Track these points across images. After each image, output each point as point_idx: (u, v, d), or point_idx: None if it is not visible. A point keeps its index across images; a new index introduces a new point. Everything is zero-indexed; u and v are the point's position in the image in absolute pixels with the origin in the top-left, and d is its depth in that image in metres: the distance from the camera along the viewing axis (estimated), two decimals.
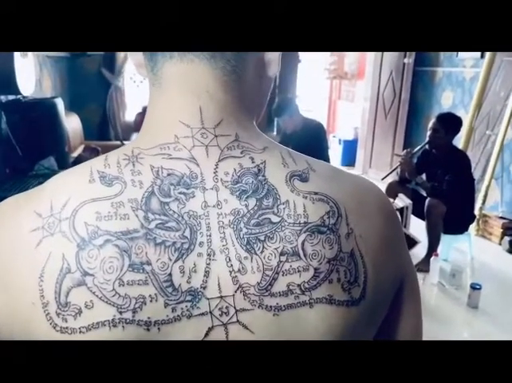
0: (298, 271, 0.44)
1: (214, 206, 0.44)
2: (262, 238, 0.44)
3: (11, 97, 2.34)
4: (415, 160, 3.61)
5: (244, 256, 0.43)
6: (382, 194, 0.55)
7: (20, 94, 2.53)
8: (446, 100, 5.24)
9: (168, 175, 0.45)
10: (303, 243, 0.45)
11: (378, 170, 6.05)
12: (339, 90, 8.19)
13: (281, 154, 0.49)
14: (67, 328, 0.40)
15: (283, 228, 0.45)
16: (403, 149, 4.37)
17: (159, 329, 0.41)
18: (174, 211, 0.43)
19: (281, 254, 0.44)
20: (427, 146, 3.49)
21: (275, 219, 0.45)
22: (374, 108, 6.35)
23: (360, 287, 0.46)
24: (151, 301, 0.41)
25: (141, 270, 0.41)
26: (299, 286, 0.44)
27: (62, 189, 0.44)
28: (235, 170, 0.46)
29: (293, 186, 0.47)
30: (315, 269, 0.45)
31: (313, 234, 0.45)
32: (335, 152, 7.07)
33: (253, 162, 0.47)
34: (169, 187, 0.44)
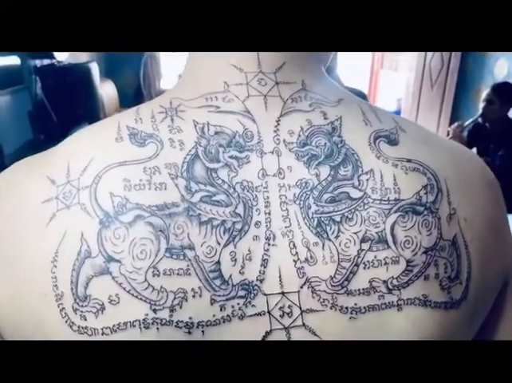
0: (385, 264, 0.33)
1: (274, 175, 0.34)
2: (338, 218, 0.33)
3: (46, 62, 2.28)
4: (465, 134, 3.38)
5: (313, 242, 0.33)
6: (486, 166, 0.43)
7: (54, 59, 2.47)
8: (500, 70, 4.89)
9: (216, 133, 0.34)
10: (393, 227, 0.34)
11: None
12: (381, 59, 7.84)
13: (360, 108, 0.38)
14: (86, 328, 0.31)
15: (366, 206, 0.34)
16: (450, 122, 4.11)
17: (203, 332, 0.32)
18: (223, 181, 0.33)
19: (363, 240, 0.33)
20: (479, 119, 3.26)
21: (355, 193, 0.34)
22: (419, 78, 6.01)
23: (463, 285, 0.35)
24: (193, 296, 0.31)
25: (182, 257, 0.31)
26: (385, 282, 0.33)
27: (82, 149, 0.34)
28: (302, 128, 0.35)
29: (380, 150, 0.36)
30: (408, 261, 0.34)
31: (407, 215, 0.34)
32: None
33: (325, 118, 0.36)
34: (217, 149, 0.34)
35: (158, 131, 0.34)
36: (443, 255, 0.35)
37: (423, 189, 0.35)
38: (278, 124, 0.35)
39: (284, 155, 0.34)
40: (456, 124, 3.41)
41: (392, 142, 0.36)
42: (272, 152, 0.34)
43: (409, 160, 0.36)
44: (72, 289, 0.31)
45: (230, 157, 0.34)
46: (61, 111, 2.00)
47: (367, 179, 0.34)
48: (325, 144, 0.35)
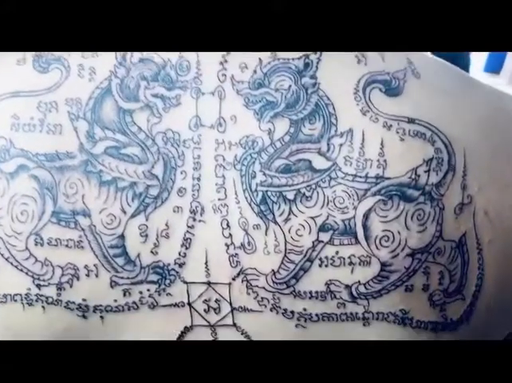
0: (351, 264, 0.24)
1: (212, 126, 0.24)
2: (291, 195, 0.24)
3: None
4: None
5: (254, 223, 0.24)
6: None
7: None
8: None
9: (141, 61, 0.25)
10: (367, 216, 0.24)
11: None
12: None
13: None
14: None
15: (333, 182, 0.24)
16: None
17: (102, 318, 0.25)
18: (140, 129, 0.24)
19: (323, 229, 0.24)
20: None
21: (321, 163, 0.24)
22: None
23: (466, 302, 0.25)
24: (87, 275, 0.25)
25: (72, 224, 0.24)
26: (348, 288, 0.24)
27: None
28: (261, 61, 0.25)
29: (369, 102, 0.25)
30: (383, 264, 0.24)
31: (391, 200, 0.24)
32: (476, 54, 6.07)
33: None
34: (138, 82, 0.25)
35: (69, 54, 0.26)
36: (438, 261, 0.24)
37: (425, 165, 0.24)
38: (228, 54, 0.25)
39: (229, 99, 0.25)
40: None
41: (392, 91, 0.25)
42: (213, 93, 0.25)
43: (411, 120, 0.24)
44: None
45: (155, 95, 0.25)
46: None
47: (340, 144, 0.24)
48: (290, 87, 0.24)
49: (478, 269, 0.25)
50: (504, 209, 0.26)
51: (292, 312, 0.25)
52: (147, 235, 0.24)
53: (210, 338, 0.26)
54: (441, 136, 0.25)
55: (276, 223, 0.24)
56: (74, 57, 0.25)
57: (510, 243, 0.26)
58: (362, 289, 0.24)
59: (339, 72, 0.25)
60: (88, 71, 0.25)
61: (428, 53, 0.30)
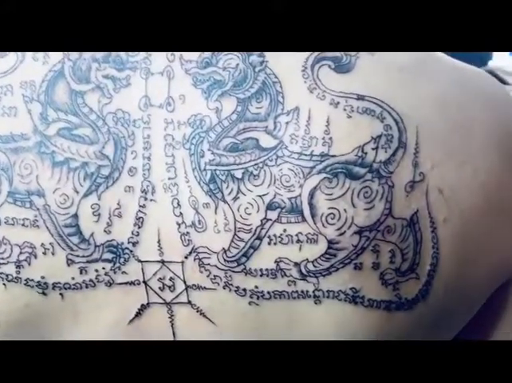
0: (298, 242, 0.24)
1: (161, 106, 0.25)
2: (239, 174, 0.24)
3: None
4: None
5: (204, 202, 0.25)
6: (510, 98, 0.29)
7: None
8: None
9: None
10: (312, 194, 0.24)
11: None
12: None
13: None
14: None
15: (279, 161, 0.24)
16: None
17: (61, 295, 0.26)
18: (91, 110, 0.25)
19: (270, 207, 0.24)
20: None
21: (268, 141, 0.24)
22: None
23: (421, 281, 0.25)
24: (44, 253, 0.25)
25: (27, 204, 0.25)
26: (297, 265, 0.25)
27: None
28: None
29: (317, 79, 0.24)
30: (330, 242, 0.24)
31: (336, 178, 0.24)
32: None
33: None
34: (90, 65, 0.25)
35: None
36: (389, 239, 0.24)
37: (373, 142, 0.24)
38: None
39: (177, 79, 0.25)
40: None
41: (343, 68, 0.25)
42: (162, 73, 0.25)
43: (361, 97, 0.24)
44: None
45: (105, 77, 0.25)
46: None
47: (287, 122, 0.24)
48: (237, 65, 0.24)
49: (432, 248, 0.25)
50: (460, 187, 0.25)
51: (244, 289, 0.25)
52: (99, 215, 0.25)
53: (167, 316, 0.26)
54: (392, 112, 0.24)
55: (225, 201, 0.24)
56: None
57: (466, 222, 0.25)
58: (311, 266, 0.24)
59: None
60: (42, 54, 0.26)
61: None
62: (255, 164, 0.24)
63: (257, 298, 0.25)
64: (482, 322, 0.31)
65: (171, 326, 0.27)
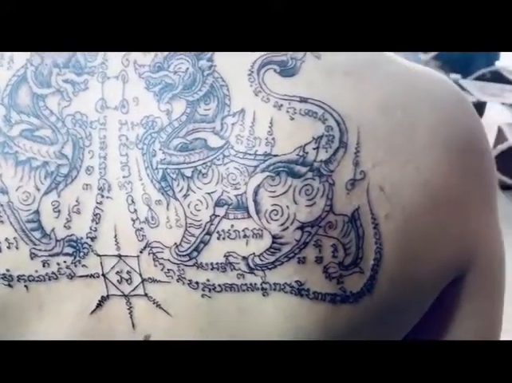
0: (245, 236, 0.26)
1: (116, 108, 0.26)
2: (189, 173, 0.26)
3: None
4: None
5: (156, 199, 0.26)
6: (464, 106, 0.30)
7: None
8: None
9: None
10: (256, 191, 0.25)
11: None
12: None
13: None
14: None
15: (226, 160, 0.25)
16: None
17: (26, 287, 0.28)
18: (51, 112, 0.26)
19: (218, 204, 0.25)
20: None
21: (215, 141, 0.25)
22: None
23: (365, 275, 0.26)
24: (8, 247, 0.27)
25: None
26: (245, 259, 0.26)
27: None
28: None
29: (262, 83, 0.26)
30: (274, 237, 0.25)
31: (278, 176, 0.25)
32: None
33: None
34: (51, 69, 0.27)
35: None
36: (330, 234, 0.25)
37: (314, 142, 0.25)
38: None
39: (131, 82, 0.26)
40: None
41: (288, 72, 0.26)
42: (117, 77, 0.26)
43: (304, 99, 0.25)
44: None
45: (65, 81, 0.26)
46: None
47: (233, 124, 0.25)
48: (187, 69, 0.26)
49: (375, 243, 0.26)
50: (403, 185, 0.26)
51: (197, 283, 0.27)
52: (59, 211, 0.26)
53: (126, 307, 0.28)
54: (334, 114, 0.25)
55: (176, 198, 0.26)
56: None
57: (409, 218, 0.26)
58: (257, 260, 0.26)
59: (235, 54, 0.26)
60: (7, 59, 0.27)
61: None
62: (204, 163, 0.25)
63: (209, 290, 0.27)
64: (434, 319, 0.32)
65: (130, 317, 0.28)
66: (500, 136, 3.02)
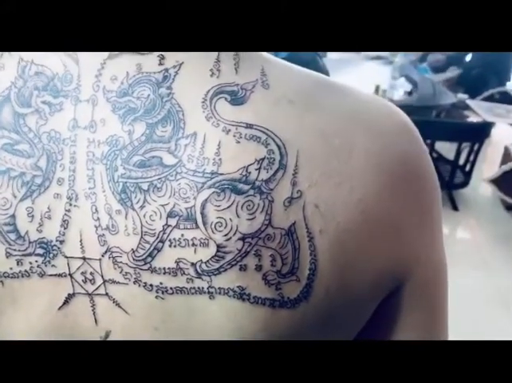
0: (193, 245, 0.29)
1: (85, 127, 0.30)
2: (145, 186, 0.29)
3: None
4: None
5: (116, 209, 0.29)
6: (404, 133, 0.33)
7: None
8: None
9: (36, 73, 0.31)
10: (204, 205, 0.28)
11: None
12: None
13: (218, 53, 0.31)
14: None
15: (178, 176, 0.29)
16: None
17: (1, 282, 0.31)
18: (30, 129, 0.30)
19: (170, 215, 0.29)
20: None
21: (169, 160, 0.29)
22: None
23: (301, 283, 0.29)
24: None
25: None
26: (193, 265, 0.29)
27: None
28: (128, 74, 0.30)
29: (213, 110, 0.29)
30: (218, 246, 0.28)
31: (223, 192, 0.28)
32: None
33: (161, 63, 0.30)
34: (32, 92, 0.30)
35: None
36: (269, 245, 0.29)
37: (256, 163, 0.28)
38: (102, 68, 0.30)
39: (100, 106, 0.30)
40: None
41: (237, 101, 0.29)
42: (88, 101, 0.30)
43: (249, 126, 0.29)
44: None
45: (43, 102, 0.30)
46: None
47: (186, 145, 0.29)
48: (148, 95, 0.29)
49: (310, 255, 0.29)
50: (336, 203, 0.29)
51: (151, 285, 0.30)
52: (33, 216, 0.30)
53: (89, 305, 0.31)
54: (275, 139, 0.29)
55: (134, 209, 0.29)
56: None
57: (343, 233, 0.29)
58: (204, 267, 0.29)
59: (192, 84, 0.29)
60: None
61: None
62: (159, 179, 0.29)
63: (162, 292, 0.30)
64: (375, 327, 0.35)
65: (93, 314, 0.31)
66: (506, 156, 3.02)
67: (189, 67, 0.30)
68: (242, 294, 0.29)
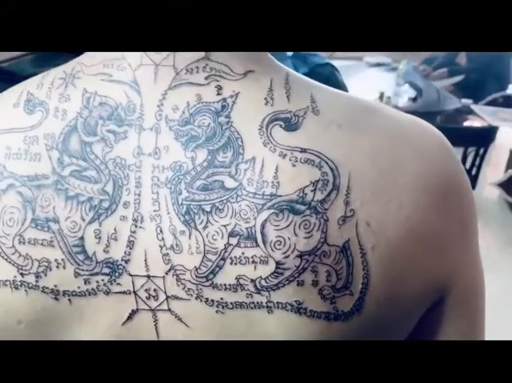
0: (253, 262, 0.31)
1: (150, 154, 0.32)
2: (208, 208, 0.31)
3: None
4: None
5: (180, 230, 0.31)
6: (445, 152, 0.35)
7: None
8: None
9: (100, 104, 0.33)
10: (263, 225, 0.30)
11: None
12: None
13: (271, 82, 0.33)
14: None
15: (239, 198, 0.31)
16: None
17: (69, 300, 0.33)
18: (96, 156, 0.32)
19: (232, 234, 0.31)
20: None
21: (230, 183, 0.31)
22: None
23: (354, 297, 0.31)
24: (57, 267, 0.32)
25: (46, 228, 0.32)
26: (253, 281, 0.31)
27: None
28: (189, 104, 0.32)
29: (269, 136, 0.31)
30: (277, 263, 0.30)
31: (282, 213, 0.30)
32: None
33: (218, 93, 0.32)
34: (97, 121, 0.32)
35: (49, 98, 0.34)
36: (325, 262, 0.30)
37: (311, 185, 0.30)
38: (164, 98, 0.32)
39: (163, 134, 0.32)
40: None
41: (291, 127, 0.31)
42: (151, 129, 0.32)
43: (304, 150, 0.31)
44: None
45: (108, 131, 0.32)
46: None
47: (245, 169, 0.31)
48: (209, 124, 0.31)
49: (362, 270, 0.31)
50: (386, 221, 0.31)
51: (212, 300, 0.32)
52: (100, 238, 0.32)
53: (152, 320, 0.33)
54: (328, 162, 0.31)
55: (197, 229, 0.31)
56: (53, 102, 0.34)
57: (393, 249, 0.31)
58: (263, 283, 0.31)
59: (248, 112, 0.32)
60: (61, 112, 0.33)
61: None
62: (220, 201, 0.31)
63: (223, 307, 0.32)
64: (419, 336, 0.36)
65: (155, 328, 0.33)
66: None
67: (245, 96, 0.32)
68: (299, 308, 0.31)
